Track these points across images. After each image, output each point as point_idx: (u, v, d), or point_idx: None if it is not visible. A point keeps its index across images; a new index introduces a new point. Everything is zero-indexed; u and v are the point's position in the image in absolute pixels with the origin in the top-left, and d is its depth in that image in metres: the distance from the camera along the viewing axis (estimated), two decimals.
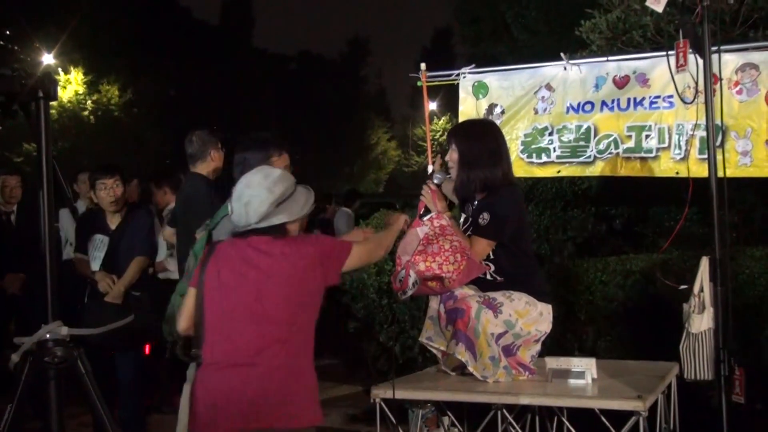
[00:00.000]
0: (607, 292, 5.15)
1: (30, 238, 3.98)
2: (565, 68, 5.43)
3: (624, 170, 5.31)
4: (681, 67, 3.95)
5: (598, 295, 5.18)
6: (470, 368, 3.50)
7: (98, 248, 5.07)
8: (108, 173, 5.07)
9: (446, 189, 3.91)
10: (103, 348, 4.56)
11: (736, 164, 4.87)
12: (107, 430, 2.62)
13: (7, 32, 23.03)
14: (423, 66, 5.81)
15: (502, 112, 5.65)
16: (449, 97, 23.89)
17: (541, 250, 6.18)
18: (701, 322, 3.72)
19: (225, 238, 2.92)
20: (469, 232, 3.69)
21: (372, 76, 50.91)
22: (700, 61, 3.91)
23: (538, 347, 3.68)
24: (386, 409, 3.50)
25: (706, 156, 4.04)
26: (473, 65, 5.85)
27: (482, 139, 3.72)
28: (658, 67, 5.08)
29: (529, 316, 3.58)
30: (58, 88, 4.55)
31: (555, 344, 4.55)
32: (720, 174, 3.79)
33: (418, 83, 5.83)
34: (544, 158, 5.56)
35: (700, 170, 4.60)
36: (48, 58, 23.33)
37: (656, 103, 5.16)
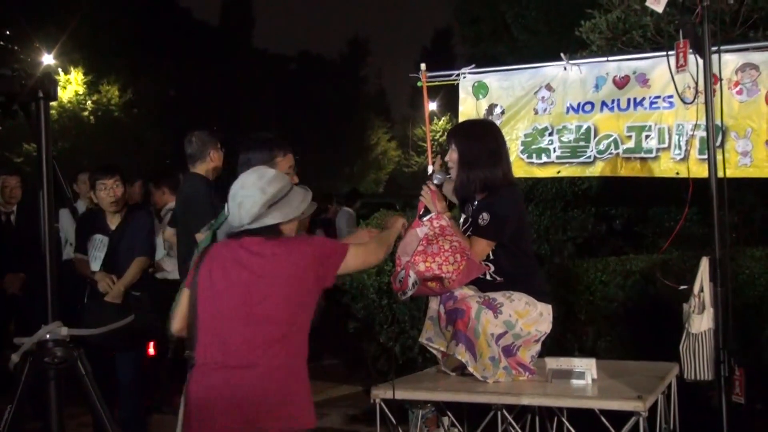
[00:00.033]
0: (607, 292, 5.15)
1: (30, 238, 3.98)
2: (565, 68, 5.44)
3: (624, 170, 5.32)
4: (681, 67, 3.95)
5: (598, 295, 5.18)
6: (470, 369, 3.50)
7: (98, 248, 5.07)
8: (108, 173, 5.07)
9: (446, 190, 3.91)
10: (103, 348, 4.56)
11: (736, 164, 4.88)
12: (107, 431, 2.62)
13: (7, 32, 23.03)
14: (423, 66, 5.81)
15: (502, 113, 5.65)
16: (449, 97, 23.89)
17: (541, 251, 6.19)
18: (701, 322, 3.72)
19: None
20: (468, 233, 3.69)
21: (372, 77, 50.96)
22: (700, 62, 3.91)
23: (538, 347, 3.68)
24: (386, 410, 3.50)
25: (706, 156, 4.04)
26: (473, 65, 5.86)
27: (482, 139, 3.72)
28: (658, 67, 5.08)
29: (529, 316, 3.58)
30: (58, 89, 4.55)
31: (555, 344, 4.55)
32: (720, 174, 3.79)
33: (418, 83, 5.83)
34: (544, 158, 5.56)
35: (700, 170, 4.60)
36: (48, 59, 23.33)
37: (656, 103, 5.17)
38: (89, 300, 5.04)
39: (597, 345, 5.06)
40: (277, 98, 39.34)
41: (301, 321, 2.71)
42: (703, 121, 4.01)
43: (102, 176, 5.06)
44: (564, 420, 3.80)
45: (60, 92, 22.87)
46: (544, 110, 5.52)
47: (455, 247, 3.51)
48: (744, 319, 4.32)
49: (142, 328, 4.61)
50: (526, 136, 5.59)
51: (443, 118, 37.85)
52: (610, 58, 5.39)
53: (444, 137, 4.43)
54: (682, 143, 5.06)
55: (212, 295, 2.69)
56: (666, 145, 5.14)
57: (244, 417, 2.57)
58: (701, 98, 3.98)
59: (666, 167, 5.15)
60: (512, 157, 5.30)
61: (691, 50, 3.90)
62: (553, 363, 3.55)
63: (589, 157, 5.39)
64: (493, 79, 5.72)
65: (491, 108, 5.69)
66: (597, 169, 5.42)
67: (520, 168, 5.56)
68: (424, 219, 3.63)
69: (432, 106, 29.40)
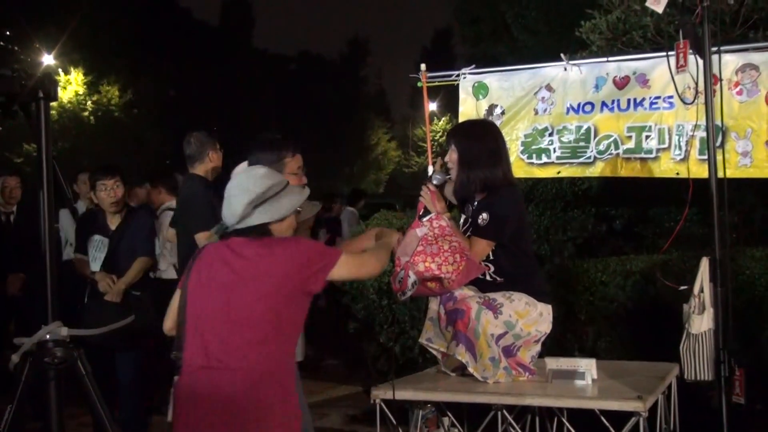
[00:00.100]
0: (607, 292, 5.14)
1: (30, 238, 3.98)
2: (565, 69, 5.44)
3: (624, 171, 5.32)
4: (681, 67, 3.95)
5: (598, 295, 5.18)
6: (470, 369, 3.50)
7: (99, 249, 5.08)
8: (108, 174, 5.07)
9: (447, 191, 3.91)
10: (104, 348, 4.56)
11: (736, 165, 4.88)
12: (107, 431, 2.62)
13: (7, 32, 23.02)
14: (423, 66, 5.81)
15: (502, 113, 5.65)
16: (449, 97, 23.88)
17: (541, 251, 6.18)
18: (701, 322, 3.72)
19: None
20: (468, 233, 3.69)
21: (372, 77, 50.97)
22: (700, 62, 3.92)
23: (538, 348, 3.68)
24: (386, 410, 3.50)
25: (706, 156, 4.04)
26: (473, 66, 5.86)
27: (482, 140, 3.72)
28: (658, 67, 5.09)
29: (529, 316, 3.58)
30: (59, 89, 4.54)
31: (555, 345, 4.55)
32: (720, 175, 3.79)
33: (418, 84, 5.83)
34: (544, 159, 5.56)
35: (700, 171, 4.60)
36: (48, 59, 23.33)
37: (656, 103, 5.17)
38: (89, 300, 5.05)
39: (597, 345, 5.06)
40: (277, 98, 39.34)
41: (285, 324, 2.63)
42: (703, 122, 4.01)
43: (102, 177, 5.06)
44: (564, 420, 3.80)
45: (60, 92, 22.75)
46: (544, 110, 5.53)
47: (455, 248, 3.51)
48: (744, 320, 4.32)
49: (142, 328, 4.61)
50: (526, 136, 5.60)
51: (443, 119, 37.84)
52: (610, 59, 5.40)
53: (444, 137, 4.43)
54: (682, 143, 5.06)
55: (199, 296, 2.67)
56: (666, 145, 5.14)
57: (223, 420, 2.53)
58: (701, 98, 3.98)
59: (666, 167, 5.15)
60: (512, 158, 5.30)
61: (691, 50, 3.90)
62: (553, 363, 3.55)
63: (589, 157, 5.39)
64: (493, 79, 5.72)
65: (491, 108, 5.69)
66: (597, 170, 5.42)
67: (520, 168, 5.56)
68: (424, 219, 3.63)
69: (432, 106, 29.40)
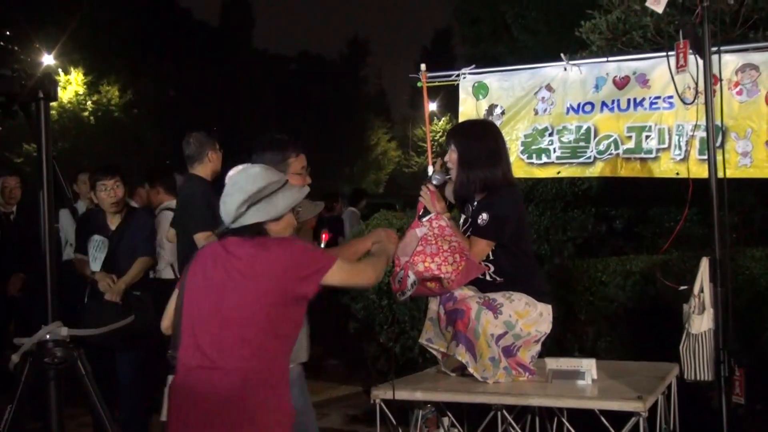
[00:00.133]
0: (607, 292, 5.14)
1: (30, 239, 3.98)
2: (565, 69, 5.44)
3: (624, 171, 5.31)
4: (681, 67, 3.95)
5: (598, 295, 5.18)
6: (470, 369, 3.50)
7: (99, 249, 5.08)
8: (108, 174, 5.07)
9: (447, 191, 3.91)
10: (104, 348, 4.56)
11: (736, 165, 4.88)
12: (107, 431, 2.62)
13: (7, 33, 23.03)
14: (423, 67, 5.81)
15: (503, 113, 5.65)
16: (449, 97, 23.88)
17: (541, 251, 6.18)
18: (701, 322, 3.72)
19: None
20: (468, 233, 3.69)
21: (372, 77, 50.99)
22: (700, 62, 3.92)
23: (538, 348, 3.68)
24: (386, 410, 3.50)
25: (706, 157, 4.04)
26: (473, 66, 5.85)
27: (481, 139, 3.72)
28: (658, 67, 5.08)
29: (529, 316, 3.58)
30: (58, 89, 4.55)
31: (555, 345, 4.55)
32: (720, 175, 3.79)
33: (418, 84, 5.83)
34: (544, 159, 5.56)
35: (700, 171, 4.60)
36: (48, 59, 23.34)
37: (656, 103, 5.17)
38: (89, 300, 5.05)
39: (597, 345, 5.06)
40: (277, 98, 39.35)
41: (278, 326, 2.59)
42: (703, 122, 4.01)
43: (102, 177, 5.06)
44: (564, 420, 3.80)
45: (60, 93, 22.75)
46: (544, 111, 5.52)
47: (454, 248, 3.51)
48: (744, 320, 4.32)
49: (142, 328, 4.61)
50: (526, 136, 5.59)
51: (443, 119, 37.85)
52: (610, 59, 5.39)
53: (444, 137, 4.43)
54: (682, 144, 5.06)
55: (195, 295, 2.67)
56: (666, 145, 5.13)
57: (215, 420, 2.52)
58: (701, 99, 3.98)
59: (666, 168, 5.14)
60: (512, 158, 5.30)
61: (691, 51, 3.90)
62: (553, 363, 3.55)
63: (589, 157, 5.39)
64: (493, 79, 5.72)
65: (491, 108, 5.69)
66: (597, 170, 5.42)
67: (520, 168, 5.56)
68: (424, 219, 3.63)
69: (432, 106, 29.41)
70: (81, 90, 26.77)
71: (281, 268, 2.58)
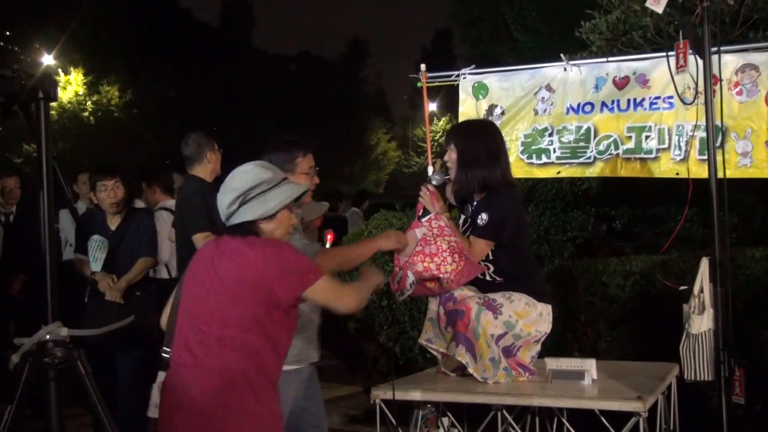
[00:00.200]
0: (607, 292, 5.15)
1: (30, 239, 3.98)
2: (565, 69, 5.43)
3: (624, 171, 5.31)
4: (681, 67, 3.95)
5: (598, 295, 5.18)
6: (470, 369, 3.50)
7: (99, 249, 5.07)
8: (108, 175, 5.07)
9: (447, 191, 3.91)
10: (104, 348, 4.56)
11: (736, 165, 4.87)
12: (107, 431, 2.61)
13: (7, 33, 23.03)
14: (423, 67, 5.80)
15: (502, 113, 5.64)
16: (449, 98, 23.90)
17: (541, 251, 6.19)
18: (701, 322, 3.72)
19: None
20: (468, 233, 3.69)
21: (372, 77, 50.94)
22: (700, 62, 3.92)
23: (538, 348, 3.68)
24: (386, 410, 3.50)
25: (706, 157, 4.04)
26: (473, 66, 5.85)
27: (481, 139, 3.72)
28: (658, 67, 5.08)
29: (529, 316, 3.58)
30: (58, 89, 4.55)
31: (555, 345, 4.56)
32: (720, 175, 3.79)
33: (418, 84, 5.82)
34: (544, 159, 5.55)
35: (700, 171, 4.60)
36: (48, 59, 23.33)
37: (656, 103, 5.16)
38: (89, 300, 5.04)
39: (597, 345, 5.07)
40: (277, 98, 39.33)
41: (263, 327, 2.55)
42: (703, 122, 4.01)
43: (102, 177, 5.06)
44: (564, 420, 3.80)
45: (60, 93, 22.87)
46: (544, 111, 5.52)
47: (453, 248, 3.51)
48: (744, 320, 4.32)
49: (142, 328, 4.60)
50: (526, 136, 5.59)
51: (443, 119, 37.84)
52: (610, 59, 5.39)
53: (444, 138, 4.42)
54: (682, 144, 5.05)
55: (188, 294, 2.67)
56: (666, 145, 5.13)
57: (191, 419, 2.52)
58: (701, 99, 3.98)
59: (666, 168, 5.14)
60: (512, 158, 5.30)
61: (691, 51, 3.91)
62: (553, 363, 3.55)
63: (589, 157, 5.38)
64: (493, 79, 5.72)
65: (491, 108, 5.68)
66: (597, 170, 5.42)
67: (520, 168, 5.55)
68: (423, 220, 3.63)
69: (432, 106, 29.42)
70: (81, 90, 26.75)
71: (263, 266, 2.54)
